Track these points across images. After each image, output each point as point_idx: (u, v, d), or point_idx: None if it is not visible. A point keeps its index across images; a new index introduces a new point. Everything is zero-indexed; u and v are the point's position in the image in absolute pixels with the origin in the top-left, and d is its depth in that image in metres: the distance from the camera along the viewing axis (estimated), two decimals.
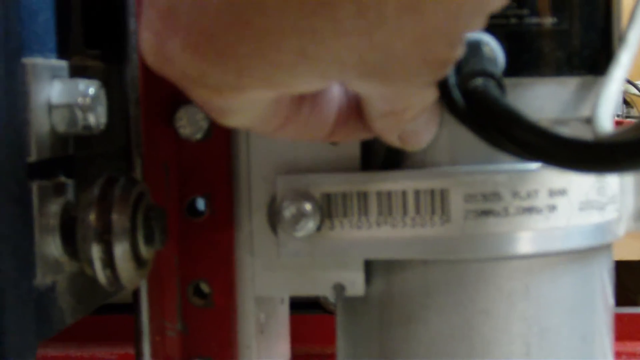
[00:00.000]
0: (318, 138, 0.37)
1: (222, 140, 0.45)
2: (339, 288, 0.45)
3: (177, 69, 0.30)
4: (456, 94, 0.35)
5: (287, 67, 0.29)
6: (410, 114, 0.35)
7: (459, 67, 0.36)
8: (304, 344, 0.79)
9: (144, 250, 0.40)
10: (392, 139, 0.37)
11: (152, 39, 0.30)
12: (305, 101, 0.36)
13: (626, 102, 2.07)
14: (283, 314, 0.54)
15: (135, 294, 0.45)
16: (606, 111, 0.39)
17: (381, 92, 0.33)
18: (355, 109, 0.37)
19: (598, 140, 0.33)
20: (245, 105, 0.33)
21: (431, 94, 0.34)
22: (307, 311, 0.81)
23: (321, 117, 0.36)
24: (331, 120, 0.37)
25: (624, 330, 0.80)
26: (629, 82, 2.02)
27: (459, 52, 0.30)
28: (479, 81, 0.35)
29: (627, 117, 1.99)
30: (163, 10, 0.29)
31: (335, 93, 0.36)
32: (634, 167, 0.32)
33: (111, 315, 0.82)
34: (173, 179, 0.45)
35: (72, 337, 0.84)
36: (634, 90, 2.05)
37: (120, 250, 0.39)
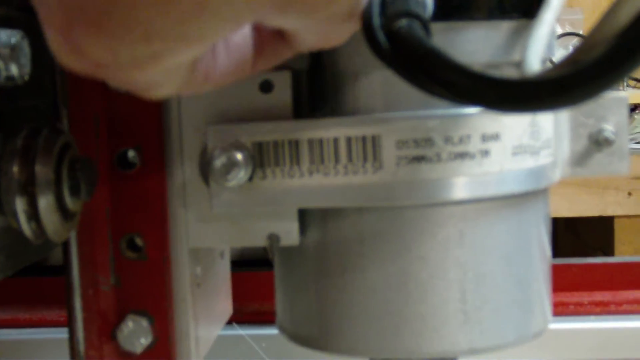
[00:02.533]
0: (244, 74, 0.37)
1: None
2: (274, 238, 0.44)
3: (90, 58, 0.30)
4: (380, 36, 0.35)
5: (192, 18, 0.28)
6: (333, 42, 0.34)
7: (384, 9, 0.35)
8: (255, 301, 0.79)
9: (70, 202, 0.40)
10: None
11: (57, 36, 0.29)
12: (218, 47, 0.35)
13: None
14: (223, 268, 0.54)
15: (66, 247, 0.44)
16: (535, 53, 0.38)
17: (303, 24, 0.33)
18: (270, 33, 0.36)
19: (522, 78, 0.32)
20: (168, 74, 0.32)
21: (354, 25, 0.33)
22: (259, 268, 0.81)
23: (239, 55, 0.35)
24: (249, 53, 0.36)
25: (580, 280, 0.80)
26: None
27: None
28: (403, 22, 0.34)
29: None
30: (55, 4, 0.28)
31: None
32: (557, 104, 0.32)
33: (60, 277, 0.81)
34: (103, 130, 0.44)
35: (19, 300, 0.83)
36: None
37: (45, 202, 0.38)
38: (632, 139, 1.68)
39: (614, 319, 0.77)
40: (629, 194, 1.61)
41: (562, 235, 2.15)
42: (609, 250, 1.75)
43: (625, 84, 1.86)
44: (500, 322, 0.44)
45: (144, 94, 0.34)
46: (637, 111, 1.81)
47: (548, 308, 0.47)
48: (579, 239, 2.04)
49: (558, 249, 2.18)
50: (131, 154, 0.44)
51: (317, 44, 0.35)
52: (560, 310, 0.77)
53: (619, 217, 1.65)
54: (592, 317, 0.77)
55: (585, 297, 0.78)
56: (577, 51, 0.33)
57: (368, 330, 0.43)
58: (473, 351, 0.44)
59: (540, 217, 0.45)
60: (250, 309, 0.78)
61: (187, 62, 0.32)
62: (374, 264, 0.43)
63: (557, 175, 0.45)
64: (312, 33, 0.34)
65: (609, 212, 1.64)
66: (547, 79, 0.32)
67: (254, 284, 0.76)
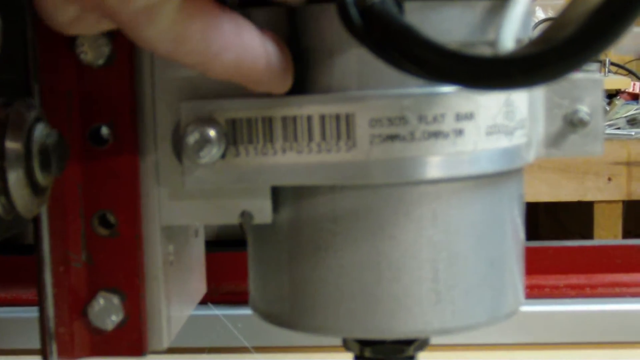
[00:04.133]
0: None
1: (125, 66, 0.43)
2: (247, 216, 0.44)
3: None
4: (353, 12, 0.34)
5: None
6: None
7: None
8: (231, 281, 0.79)
9: (41, 177, 0.39)
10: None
11: None
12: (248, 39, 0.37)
13: None
14: (197, 247, 0.54)
15: (36, 223, 0.44)
16: (509, 32, 0.38)
17: None
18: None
19: (493, 56, 0.32)
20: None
21: None
22: (235, 248, 0.81)
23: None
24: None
25: (557, 263, 0.81)
26: None
27: None
28: None
29: None
30: None
31: None
32: (528, 82, 0.32)
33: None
34: (75, 106, 0.44)
35: None
36: None
37: (14, 176, 0.38)
38: (612, 125, 1.69)
39: (589, 302, 0.77)
40: (609, 179, 1.62)
41: (543, 220, 2.16)
42: (588, 235, 1.76)
43: (606, 69, 1.86)
44: (473, 302, 0.44)
45: (135, 29, 0.33)
46: (618, 97, 1.81)
47: (521, 289, 0.47)
48: (559, 224, 2.05)
49: (538, 234, 2.19)
50: (105, 130, 0.44)
51: None
52: (536, 292, 0.77)
53: (599, 202, 1.66)
54: (568, 300, 0.77)
55: (561, 279, 0.78)
56: (549, 30, 0.33)
57: (340, 309, 0.43)
58: (445, 331, 0.44)
59: (514, 197, 0.45)
60: (227, 289, 0.78)
61: None
62: (346, 243, 0.43)
63: (531, 155, 0.45)
64: None
65: (588, 197, 1.65)
66: (518, 57, 0.32)
67: (231, 264, 0.76)
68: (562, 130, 0.46)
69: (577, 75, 0.46)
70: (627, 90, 1.81)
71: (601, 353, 0.76)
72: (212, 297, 0.76)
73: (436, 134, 0.41)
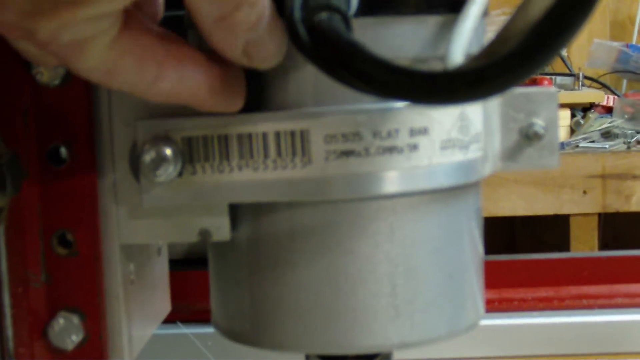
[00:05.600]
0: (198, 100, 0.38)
1: (81, 86, 0.43)
2: (205, 233, 0.44)
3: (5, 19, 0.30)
4: (301, 29, 0.35)
5: None
6: (242, 16, 0.34)
7: (306, 2, 0.35)
8: (201, 300, 0.79)
9: None
10: (236, 54, 0.37)
11: None
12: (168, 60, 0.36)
13: None
14: (160, 265, 0.54)
15: None
16: (459, 47, 0.39)
17: None
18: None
19: (438, 71, 0.33)
20: (90, 27, 0.32)
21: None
22: (204, 267, 0.80)
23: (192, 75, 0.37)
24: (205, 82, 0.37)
25: (524, 277, 0.81)
26: None
27: None
28: (323, 15, 0.35)
29: (541, 73, 2.01)
30: None
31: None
32: (472, 96, 0.32)
33: None
34: (32, 125, 0.44)
35: None
36: None
37: None
38: (586, 138, 1.70)
39: (556, 315, 0.77)
40: (584, 192, 1.63)
41: (520, 234, 2.17)
42: (565, 248, 1.77)
43: (580, 83, 1.88)
44: (432, 316, 0.44)
45: (71, 59, 0.34)
46: (592, 110, 1.82)
47: (480, 302, 0.47)
48: (536, 237, 2.06)
49: (516, 247, 2.20)
50: (63, 150, 0.44)
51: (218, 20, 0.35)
52: (505, 306, 0.78)
53: (575, 215, 1.67)
54: (535, 313, 0.78)
55: (529, 292, 0.79)
56: (492, 44, 0.33)
57: (299, 325, 0.44)
58: (405, 345, 0.44)
59: (471, 211, 0.46)
60: (196, 307, 0.78)
61: (106, 14, 0.33)
62: (304, 259, 0.43)
63: (487, 169, 0.45)
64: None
65: (564, 211, 1.66)
66: (462, 71, 0.32)
67: (200, 283, 0.76)
68: (518, 144, 0.47)
69: (532, 89, 0.47)
70: (601, 103, 1.82)
71: None
72: (182, 316, 0.76)
73: (391, 149, 0.41)
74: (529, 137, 0.46)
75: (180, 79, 0.37)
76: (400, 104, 0.41)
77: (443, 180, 0.43)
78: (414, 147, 0.41)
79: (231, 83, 0.39)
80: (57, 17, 0.31)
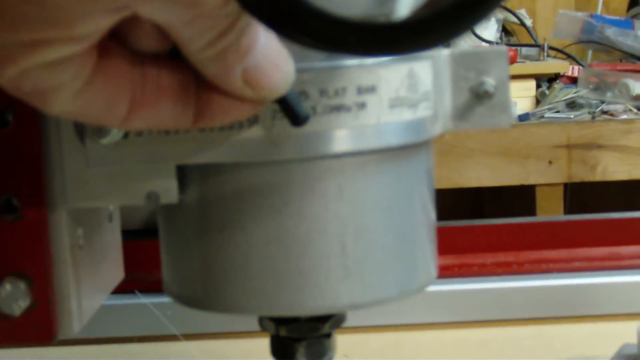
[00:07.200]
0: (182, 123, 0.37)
1: None
2: (153, 196, 0.44)
3: None
4: None
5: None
6: (229, 41, 0.33)
7: None
8: (159, 269, 0.78)
9: None
10: (237, 85, 0.35)
11: None
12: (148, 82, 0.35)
13: (506, 30, 2.09)
14: (112, 232, 0.53)
15: None
16: (404, 2, 0.38)
17: (178, 15, 0.32)
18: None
19: (380, 22, 0.32)
20: (55, 73, 0.32)
21: (229, 9, 0.33)
22: None
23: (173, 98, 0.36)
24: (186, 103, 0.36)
25: (484, 242, 0.81)
26: (508, 10, 2.04)
27: None
28: None
29: (507, 44, 2.01)
30: None
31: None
32: (415, 46, 0.32)
33: None
34: None
35: None
36: (514, 19, 2.08)
37: None
38: (552, 108, 1.70)
39: (515, 279, 0.78)
40: (550, 162, 1.63)
41: (488, 205, 2.17)
42: None
43: (545, 53, 1.88)
44: (382, 277, 0.44)
45: (41, 104, 0.33)
46: (557, 81, 1.83)
47: (432, 263, 0.47)
48: (503, 208, 2.06)
49: (483, 218, 2.21)
50: (8, 113, 0.43)
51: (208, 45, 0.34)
52: (465, 271, 0.78)
53: (540, 185, 1.67)
54: (495, 278, 0.78)
55: (488, 258, 0.79)
56: None
57: (249, 287, 0.43)
58: (355, 306, 0.44)
59: (422, 171, 0.45)
60: (155, 277, 0.77)
61: (72, 56, 0.32)
62: (253, 220, 0.42)
63: (437, 128, 0.45)
64: (192, 26, 0.33)
65: (530, 181, 1.66)
66: (405, 22, 0.32)
67: (158, 253, 0.75)
68: (469, 103, 0.46)
69: (483, 48, 0.46)
70: (566, 74, 1.82)
71: (527, 329, 0.76)
72: (141, 286, 0.76)
73: (338, 108, 0.41)
74: (479, 95, 0.46)
75: (155, 116, 0.36)
76: (347, 62, 0.41)
77: (392, 139, 0.42)
78: (361, 106, 0.41)
79: (214, 108, 0.37)
80: (13, 64, 0.31)
